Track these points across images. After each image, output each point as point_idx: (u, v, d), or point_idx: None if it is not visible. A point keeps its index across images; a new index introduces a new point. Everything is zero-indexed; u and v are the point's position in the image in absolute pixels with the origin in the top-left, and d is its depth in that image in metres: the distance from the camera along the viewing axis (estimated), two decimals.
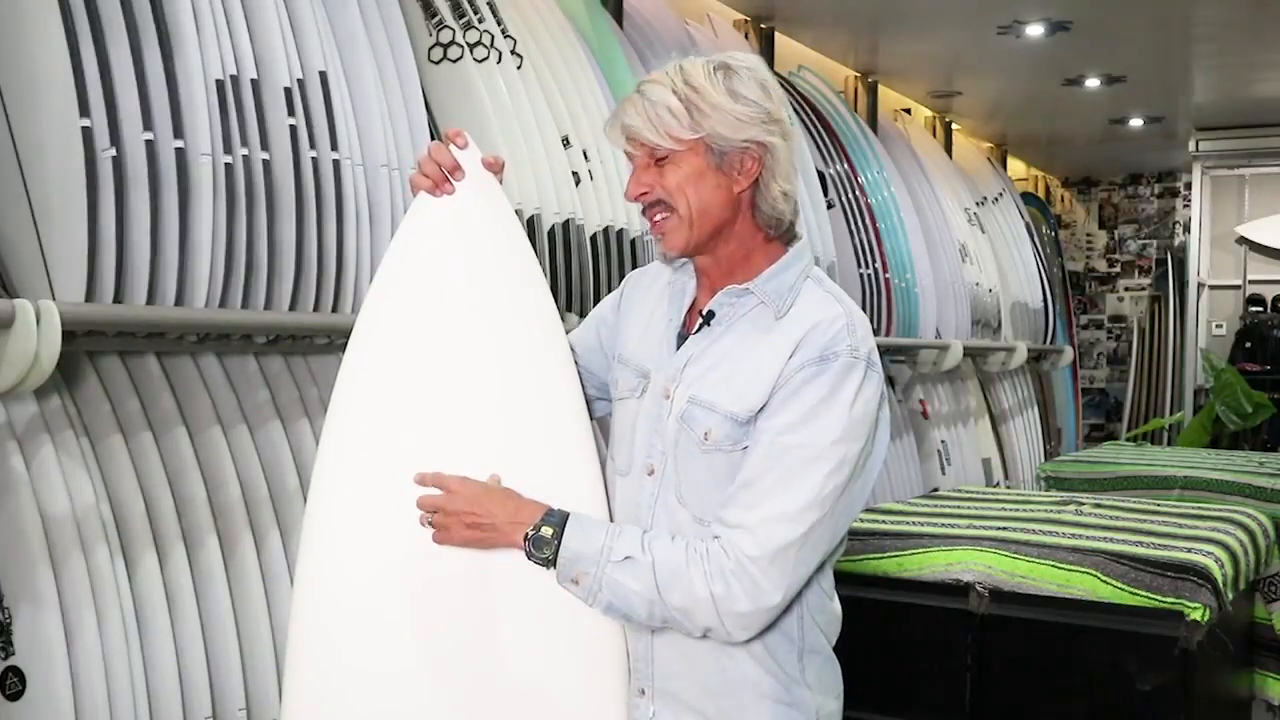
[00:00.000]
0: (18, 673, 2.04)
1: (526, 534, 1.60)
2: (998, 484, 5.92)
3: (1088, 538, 2.79)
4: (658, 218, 1.67)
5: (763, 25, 5.02)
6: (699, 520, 1.63)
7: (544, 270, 2.84)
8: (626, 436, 1.74)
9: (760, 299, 1.66)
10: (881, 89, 6.08)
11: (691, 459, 1.64)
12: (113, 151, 2.09)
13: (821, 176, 4.50)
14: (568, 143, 3.09)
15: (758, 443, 1.59)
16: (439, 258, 1.74)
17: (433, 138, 2.81)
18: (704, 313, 1.69)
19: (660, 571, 1.56)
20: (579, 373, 1.82)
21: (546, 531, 1.60)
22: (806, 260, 1.73)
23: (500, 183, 1.79)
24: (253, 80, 2.35)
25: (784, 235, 1.73)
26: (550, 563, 1.60)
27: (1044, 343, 6.73)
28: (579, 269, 3.03)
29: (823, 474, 1.56)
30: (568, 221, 3.00)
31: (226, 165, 2.26)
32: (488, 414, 1.69)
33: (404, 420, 1.70)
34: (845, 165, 4.86)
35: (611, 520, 1.72)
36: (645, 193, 1.65)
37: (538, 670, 1.70)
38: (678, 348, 1.71)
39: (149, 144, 2.14)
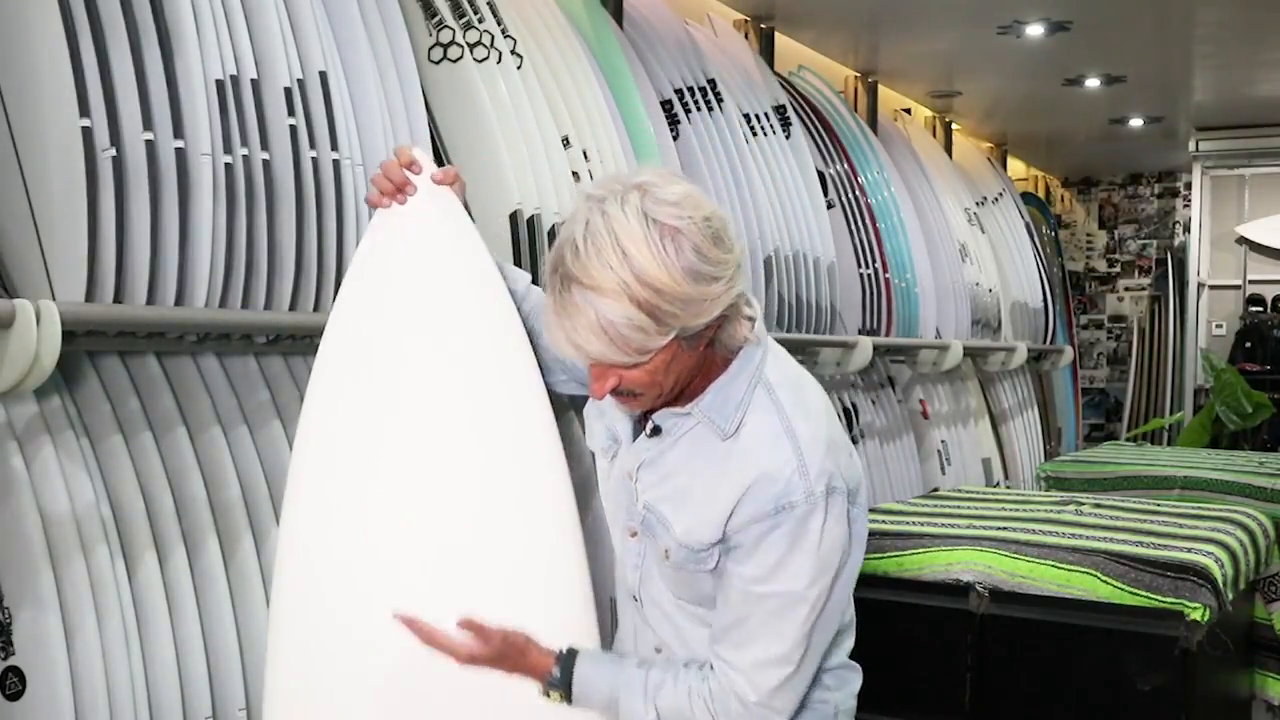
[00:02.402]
0: (18, 673, 2.03)
1: (540, 687, 1.64)
2: (998, 484, 5.92)
3: (1088, 538, 2.79)
4: (620, 400, 1.57)
5: (763, 25, 5.02)
6: (678, 596, 1.65)
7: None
8: (604, 488, 1.74)
9: (700, 420, 1.58)
10: (881, 89, 6.07)
11: (658, 561, 1.64)
12: (113, 151, 2.08)
13: (821, 176, 4.50)
14: (568, 143, 3.09)
15: (731, 585, 1.56)
16: (392, 272, 1.82)
17: (433, 138, 2.82)
18: (651, 424, 1.63)
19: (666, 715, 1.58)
20: (547, 360, 1.84)
21: (554, 695, 1.62)
22: (756, 361, 1.59)
23: (462, 191, 1.83)
24: (253, 80, 2.35)
25: None
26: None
27: (1044, 343, 6.73)
28: None
29: (802, 616, 1.55)
30: None
31: (226, 165, 2.26)
32: (448, 419, 1.75)
33: (366, 431, 1.75)
34: (845, 165, 4.85)
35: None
36: (615, 389, 1.52)
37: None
38: (634, 434, 1.68)
39: (149, 144, 2.13)
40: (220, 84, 2.27)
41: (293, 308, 2.41)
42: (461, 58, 2.92)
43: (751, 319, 1.56)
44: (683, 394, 1.58)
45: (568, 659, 1.62)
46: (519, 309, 1.90)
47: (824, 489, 1.54)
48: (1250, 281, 8.69)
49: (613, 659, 1.65)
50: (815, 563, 1.54)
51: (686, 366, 1.53)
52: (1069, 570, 2.58)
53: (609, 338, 1.43)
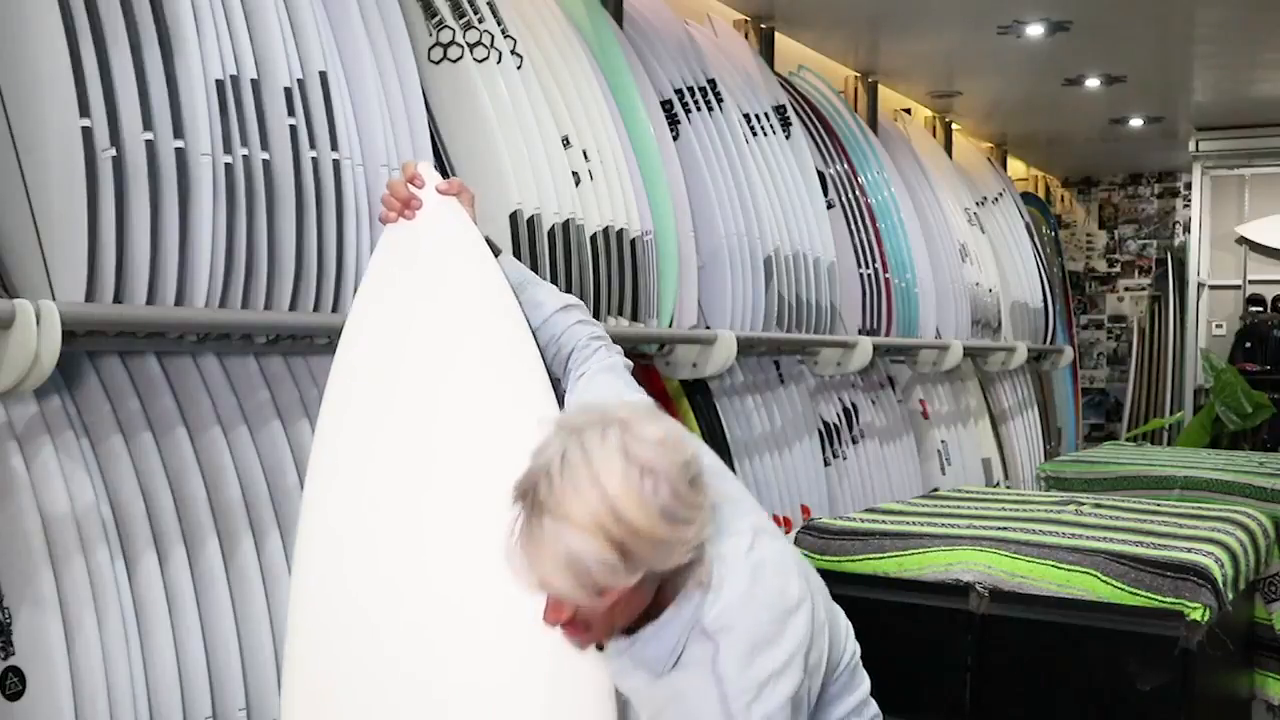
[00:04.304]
0: (18, 673, 2.04)
1: None
2: (998, 484, 5.92)
3: (1088, 538, 2.79)
4: (570, 631, 1.49)
5: (763, 25, 5.02)
6: None
7: (544, 270, 2.87)
8: None
9: (635, 664, 1.54)
10: (881, 89, 6.07)
11: None
12: (113, 151, 2.08)
13: (821, 176, 4.50)
14: (568, 143, 3.09)
15: None
16: (398, 285, 1.90)
17: (433, 138, 2.82)
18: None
19: None
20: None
21: None
22: (694, 605, 1.51)
23: (470, 202, 1.95)
24: (253, 80, 2.35)
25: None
26: None
27: (1044, 343, 6.73)
28: (579, 269, 3.03)
29: None
30: (568, 221, 3.00)
31: (226, 165, 2.26)
32: (455, 421, 1.79)
33: (380, 439, 1.81)
34: (845, 165, 4.85)
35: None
36: (564, 620, 1.47)
37: (523, 670, 1.70)
38: None
39: (149, 144, 2.14)
40: (220, 84, 2.27)
41: (293, 308, 2.41)
42: (461, 58, 2.92)
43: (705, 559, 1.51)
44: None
45: None
46: (540, 322, 1.95)
47: (745, 707, 1.47)
48: (1250, 281, 8.68)
49: None
50: None
51: (639, 605, 1.49)
52: (1069, 570, 2.58)
53: (574, 574, 1.39)
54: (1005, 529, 2.89)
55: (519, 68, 3.01)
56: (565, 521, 1.36)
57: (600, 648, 1.59)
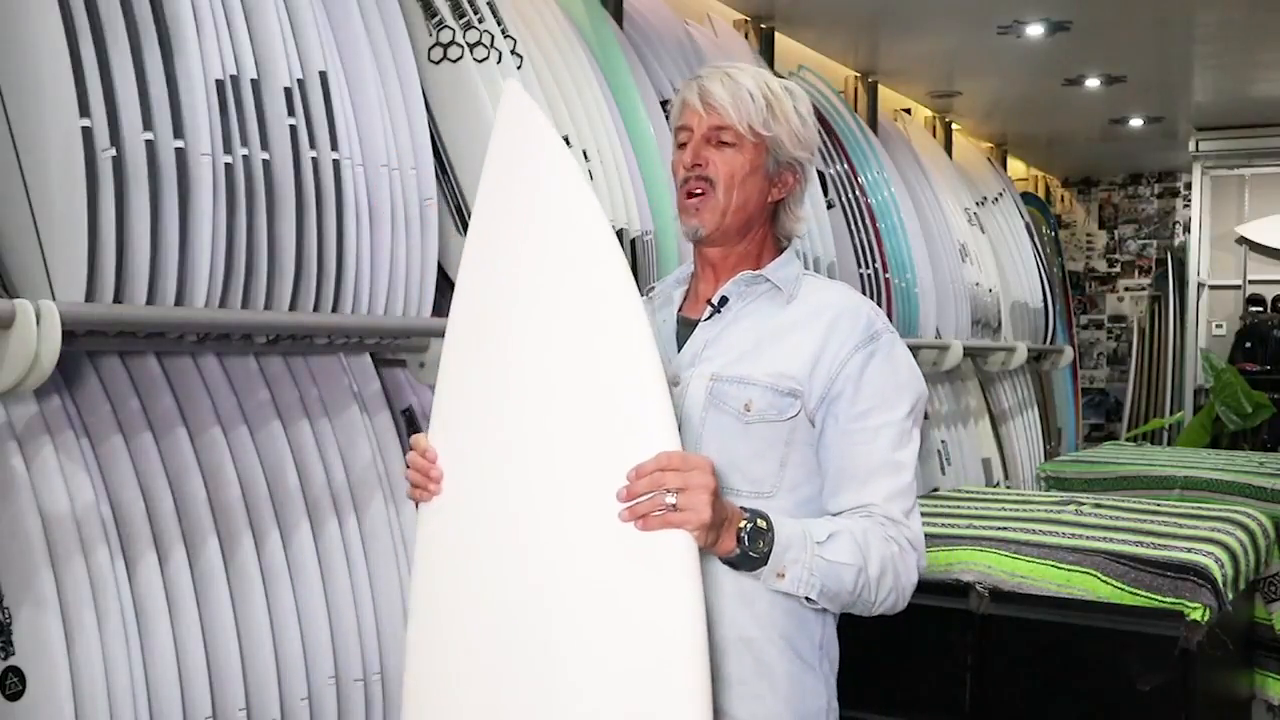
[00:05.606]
0: (18, 673, 2.04)
1: (743, 525, 1.53)
2: (998, 484, 5.92)
3: (1088, 538, 2.79)
4: (698, 192, 1.73)
5: (763, 25, 5.02)
6: (734, 491, 1.64)
7: None
8: None
9: (774, 283, 1.75)
10: (881, 89, 6.08)
11: (730, 436, 1.67)
12: (113, 151, 2.08)
13: (821, 176, 4.50)
14: (568, 143, 3.09)
15: (845, 433, 1.67)
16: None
17: (433, 138, 2.81)
18: (715, 300, 1.76)
19: (859, 538, 1.61)
20: None
21: (761, 523, 1.54)
22: (800, 259, 1.86)
23: None
24: (253, 80, 2.35)
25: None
26: (762, 557, 1.54)
27: (1044, 343, 6.73)
28: None
29: (909, 446, 1.69)
30: None
31: (226, 165, 2.26)
32: (568, 396, 1.62)
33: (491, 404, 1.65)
34: (845, 165, 4.85)
35: None
36: (701, 164, 1.72)
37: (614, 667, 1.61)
38: (679, 342, 1.78)
39: (149, 144, 2.13)
40: (220, 84, 2.27)
41: (293, 308, 2.41)
42: (461, 58, 2.92)
43: (802, 218, 1.82)
44: (742, 264, 1.77)
45: (753, 509, 1.57)
46: None
47: (890, 325, 1.74)
48: (1250, 281, 8.69)
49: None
50: (909, 391, 1.71)
51: (753, 200, 1.73)
52: (1069, 570, 2.59)
53: (732, 94, 1.69)
54: (1005, 529, 2.89)
55: (519, 68, 3.01)
56: (731, 67, 1.73)
57: (720, 304, 1.75)
